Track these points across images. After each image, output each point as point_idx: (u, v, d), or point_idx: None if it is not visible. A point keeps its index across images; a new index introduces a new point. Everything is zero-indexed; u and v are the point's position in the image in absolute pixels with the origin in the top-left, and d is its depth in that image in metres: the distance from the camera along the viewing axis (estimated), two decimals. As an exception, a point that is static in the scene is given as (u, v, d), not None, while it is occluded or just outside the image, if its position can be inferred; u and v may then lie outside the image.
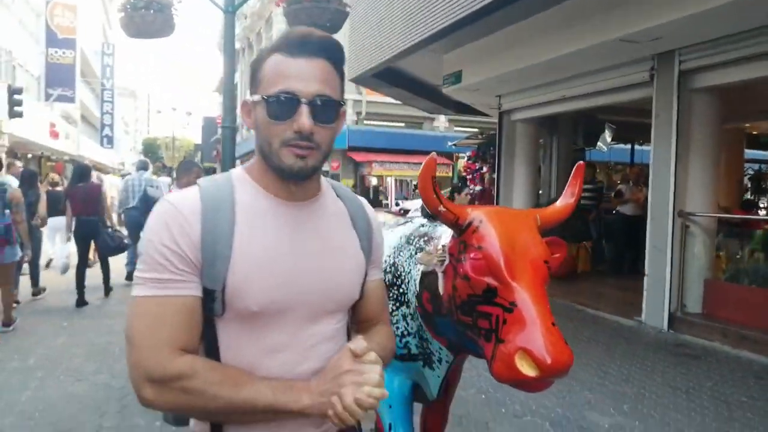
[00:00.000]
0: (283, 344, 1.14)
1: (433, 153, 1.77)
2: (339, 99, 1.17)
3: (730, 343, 5.76)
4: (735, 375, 4.98)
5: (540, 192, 11.42)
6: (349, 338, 1.34)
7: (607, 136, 12.11)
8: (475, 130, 15.99)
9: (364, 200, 1.44)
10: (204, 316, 1.11)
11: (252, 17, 28.77)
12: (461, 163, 18.74)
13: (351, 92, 22.16)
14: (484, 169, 13.87)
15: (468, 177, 15.68)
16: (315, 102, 1.11)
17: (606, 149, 13.16)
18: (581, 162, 1.97)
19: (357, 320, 1.37)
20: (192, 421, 1.18)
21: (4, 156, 19.17)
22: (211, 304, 1.10)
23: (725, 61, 5.95)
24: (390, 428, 2.30)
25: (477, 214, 1.78)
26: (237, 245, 1.10)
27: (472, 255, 1.72)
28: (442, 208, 1.76)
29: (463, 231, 1.78)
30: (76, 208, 7.03)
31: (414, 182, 23.18)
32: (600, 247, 10.86)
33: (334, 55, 1.16)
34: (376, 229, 1.39)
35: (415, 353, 2.22)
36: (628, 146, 14.39)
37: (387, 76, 11.20)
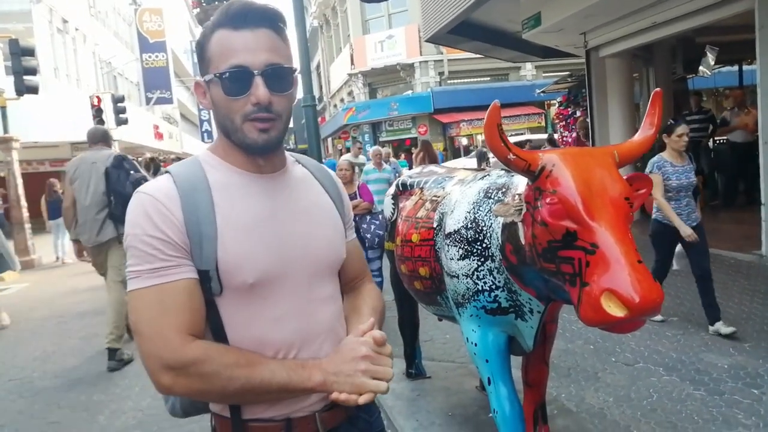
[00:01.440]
0: (286, 313, 1.16)
1: (496, 101, 1.72)
2: (290, 65, 1.16)
3: None
4: None
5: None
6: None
7: (710, 59, 11.19)
8: (565, 73, 15.27)
9: (324, 165, 1.45)
10: (204, 299, 1.12)
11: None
12: (553, 110, 18.05)
13: (431, 53, 21.87)
14: (578, 113, 13.28)
15: (561, 124, 15.09)
16: (267, 72, 1.11)
17: (710, 74, 12.17)
18: (658, 89, 1.83)
19: (343, 281, 1.37)
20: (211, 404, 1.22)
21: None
22: (209, 284, 1.10)
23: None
24: (489, 382, 2.31)
25: (549, 158, 1.72)
26: (221, 223, 1.10)
27: (548, 200, 1.68)
28: (511, 156, 1.72)
29: (536, 177, 1.74)
30: None
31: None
32: (713, 181, 10.15)
33: (276, 23, 1.15)
34: (342, 188, 1.40)
35: (506, 306, 2.20)
36: (736, 68, 13.20)
37: (464, 31, 10.90)
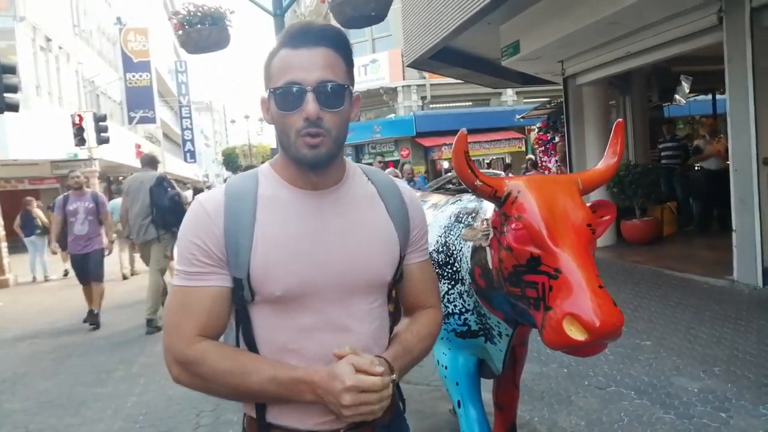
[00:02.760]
0: (313, 325, 1.19)
1: (463, 129, 1.76)
2: (345, 83, 1.18)
3: (836, 293, 5.36)
4: (842, 327, 4.65)
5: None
6: (395, 320, 1.38)
7: (685, 88, 11.48)
8: (545, 99, 15.54)
9: (400, 182, 1.44)
10: (238, 306, 1.20)
11: (310, 15, 29.17)
12: (533, 135, 18.31)
13: (414, 77, 22.12)
14: (557, 139, 13.50)
15: (540, 149, 15.31)
16: (319, 88, 1.14)
17: (684, 102, 12.49)
18: (620, 120, 1.90)
19: (403, 305, 1.40)
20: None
21: (98, 182, 20.51)
22: (240, 291, 1.17)
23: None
24: (459, 405, 2.33)
25: (515, 184, 1.77)
26: (257, 235, 1.16)
27: (513, 226, 1.72)
28: (478, 183, 1.76)
29: (502, 203, 1.78)
30: None
31: (486, 161, 22.87)
32: (687, 207, 10.36)
33: (335, 42, 1.19)
34: (414, 208, 1.38)
35: (475, 329, 2.24)
36: (710, 97, 13.55)
37: (445, 57, 11.09)
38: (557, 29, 8.02)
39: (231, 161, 57.57)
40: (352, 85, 1.23)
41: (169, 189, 6.18)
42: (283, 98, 1.15)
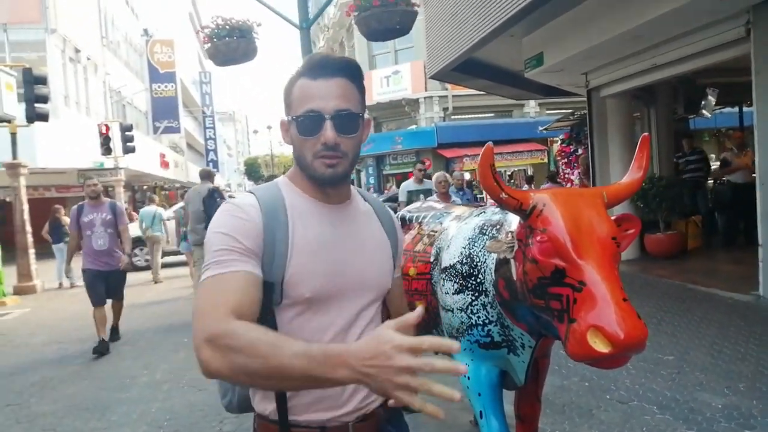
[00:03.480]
0: (331, 324, 1.28)
1: (490, 143, 1.80)
2: (358, 111, 1.29)
3: None
4: None
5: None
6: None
7: (711, 100, 11.35)
8: (568, 111, 15.47)
9: (386, 205, 1.58)
10: (264, 308, 1.22)
11: (333, 28, 29.47)
12: (556, 147, 18.21)
13: (436, 89, 22.20)
14: (580, 151, 13.41)
15: (563, 161, 15.22)
16: (336, 117, 1.25)
17: (710, 115, 12.33)
18: (645, 134, 1.92)
19: (390, 314, 1.52)
20: (255, 398, 1.33)
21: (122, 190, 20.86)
22: (271, 295, 1.24)
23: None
24: (481, 416, 2.34)
25: (540, 197, 1.80)
26: (292, 243, 1.25)
27: (538, 238, 1.74)
28: (503, 195, 1.79)
29: (528, 215, 1.80)
30: None
31: (508, 173, 22.78)
32: (712, 221, 10.22)
33: (350, 73, 1.29)
34: (399, 228, 1.54)
35: (498, 341, 2.25)
36: (736, 109, 13.37)
37: (468, 68, 11.13)
38: (581, 41, 8.02)
39: (253, 171, 58.11)
40: (364, 111, 1.34)
41: (218, 200, 7.10)
42: (304, 125, 1.26)
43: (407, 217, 3.22)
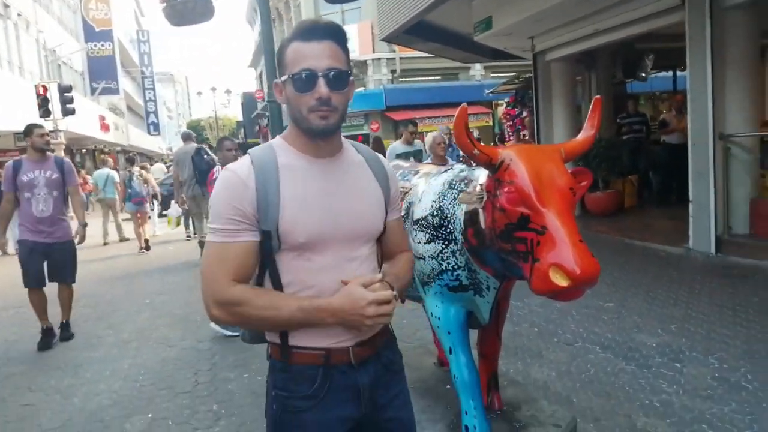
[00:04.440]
0: (329, 265, 1.46)
1: (464, 103, 2.01)
2: (347, 69, 1.46)
3: (780, 259, 5.83)
4: (785, 288, 5.10)
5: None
6: (380, 265, 1.68)
7: (647, 64, 11.88)
8: (513, 74, 15.83)
9: (379, 154, 1.75)
10: (265, 252, 1.45)
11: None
12: (501, 110, 18.62)
13: (384, 51, 22.17)
14: (524, 113, 13.82)
15: (508, 124, 15.64)
16: (328, 74, 1.41)
17: (646, 79, 12.91)
18: (598, 96, 2.17)
19: (384, 251, 1.70)
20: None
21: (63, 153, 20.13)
22: (269, 242, 1.43)
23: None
24: (450, 351, 2.61)
25: (507, 153, 2.02)
26: (283, 196, 1.42)
27: (506, 189, 1.97)
28: (476, 151, 2.00)
29: (496, 169, 2.03)
30: None
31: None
32: (649, 180, 10.83)
33: (338, 37, 1.46)
34: (392, 176, 1.69)
35: (466, 284, 2.50)
36: (670, 73, 14.01)
37: (419, 31, 11.25)
38: (528, 6, 8.26)
39: (196, 133, 56.51)
40: (351, 71, 1.51)
41: (205, 156, 7.86)
42: (300, 82, 1.41)
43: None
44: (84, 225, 5.43)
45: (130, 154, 16.94)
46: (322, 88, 1.40)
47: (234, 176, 1.42)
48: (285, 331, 1.48)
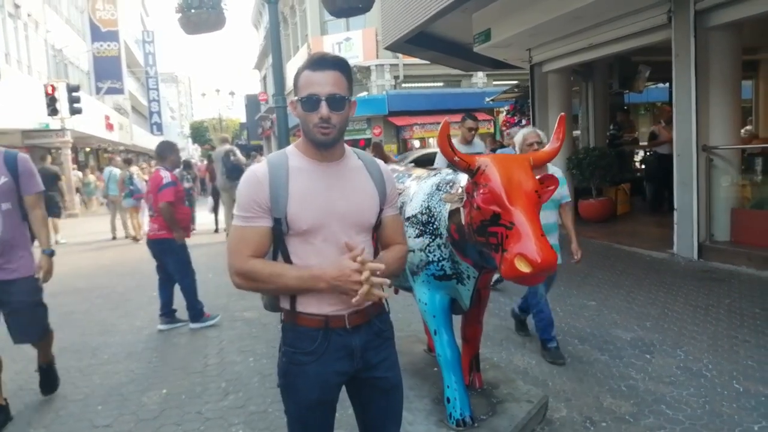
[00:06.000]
0: (327, 248, 1.80)
1: (446, 119, 2.37)
2: (346, 95, 1.79)
3: (755, 265, 6.18)
4: (754, 292, 5.45)
5: (578, 138, 11.75)
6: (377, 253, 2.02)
7: (643, 76, 12.22)
8: (514, 82, 16.18)
9: (379, 160, 2.08)
10: (277, 235, 1.81)
11: (300, 5, 29.22)
12: (502, 117, 18.97)
13: (387, 57, 22.52)
14: (523, 122, 14.16)
15: (507, 131, 15.97)
16: (329, 98, 1.74)
17: (642, 90, 13.25)
18: (562, 114, 2.53)
19: (382, 244, 2.04)
20: (280, 299, 1.91)
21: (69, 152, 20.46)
22: (280, 227, 1.78)
23: (739, -3, 6.19)
24: (435, 333, 2.96)
25: (483, 161, 2.38)
26: (291, 190, 1.77)
27: (481, 191, 2.33)
28: (456, 159, 2.36)
29: (474, 174, 2.39)
30: None
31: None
32: (641, 189, 11.17)
33: (341, 67, 1.79)
34: (388, 178, 1.99)
35: (450, 273, 2.86)
36: (667, 85, 14.35)
37: (420, 41, 11.62)
38: (526, 20, 8.63)
39: (199, 135, 56.94)
40: (351, 96, 1.85)
41: (231, 157, 10.42)
42: (306, 104, 1.76)
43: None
44: (50, 254, 3.57)
45: (128, 156, 17.32)
46: (323, 109, 1.73)
47: (253, 176, 1.80)
48: (294, 299, 1.84)
